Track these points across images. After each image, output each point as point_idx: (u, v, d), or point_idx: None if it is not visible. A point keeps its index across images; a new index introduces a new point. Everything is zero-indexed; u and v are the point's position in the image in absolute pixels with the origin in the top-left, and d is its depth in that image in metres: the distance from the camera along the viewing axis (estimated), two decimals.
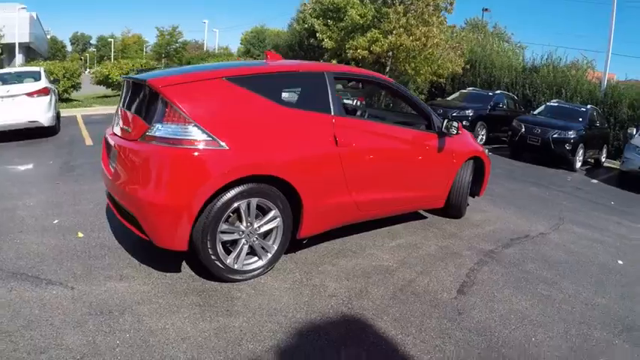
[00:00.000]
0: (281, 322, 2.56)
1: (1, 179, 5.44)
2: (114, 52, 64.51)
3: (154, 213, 2.68)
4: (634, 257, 4.44)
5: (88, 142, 8.17)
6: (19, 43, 25.87)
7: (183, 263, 3.18)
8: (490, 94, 13.12)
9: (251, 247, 2.99)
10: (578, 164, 10.22)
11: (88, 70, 49.97)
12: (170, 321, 2.48)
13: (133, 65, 16.97)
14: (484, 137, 11.76)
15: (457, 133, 4.31)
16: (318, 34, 16.58)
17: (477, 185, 4.95)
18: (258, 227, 2.96)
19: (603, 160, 11.99)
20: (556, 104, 11.97)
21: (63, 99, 13.57)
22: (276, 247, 3.08)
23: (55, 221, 3.89)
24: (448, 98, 14.18)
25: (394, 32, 13.82)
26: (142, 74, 3.28)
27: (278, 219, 3.02)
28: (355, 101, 6.21)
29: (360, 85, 4.87)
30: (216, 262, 2.82)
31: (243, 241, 2.93)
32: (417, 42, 13.73)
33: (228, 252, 2.91)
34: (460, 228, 4.59)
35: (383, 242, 3.97)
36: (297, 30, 22.42)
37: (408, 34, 13.71)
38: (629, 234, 5.33)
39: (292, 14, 27.79)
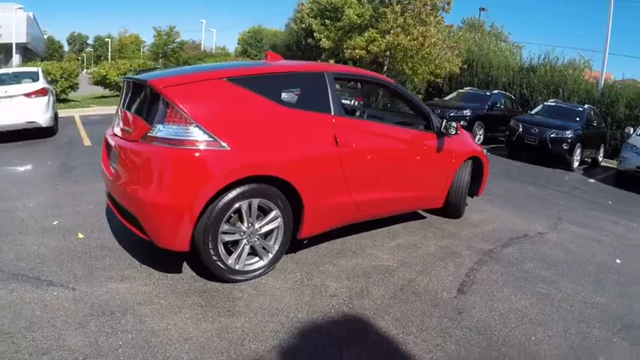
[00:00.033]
0: (283, 322, 2.57)
1: None
2: (111, 52, 64.32)
3: (155, 213, 2.69)
4: (632, 256, 4.47)
5: (87, 142, 8.16)
6: (16, 44, 25.83)
7: (184, 264, 3.18)
8: (488, 93, 13.16)
9: (252, 248, 3.00)
10: (576, 164, 10.27)
11: (85, 70, 49.86)
12: (172, 321, 2.49)
13: (130, 65, 16.89)
14: (482, 137, 11.79)
15: (456, 133, 4.33)
16: (315, 34, 16.58)
17: (475, 185, 4.97)
18: (260, 227, 2.97)
19: (600, 159, 12.05)
20: (553, 104, 12.02)
21: (61, 99, 13.53)
22: (277, 248, 3.09)
23: (55, 222, 3.89)
24: (446, 98, 14.22)
25: (392, 32, 13.83)
26: (143, 75, 3.28)
27: (279, 219, 3.03)
28: (353, 101, 6.22)
29: (359, 86, 4.86)
30: (218, 263, 2.83)
31: (245, 241, 2.93)
32: (415, 42, 13.74)
33: (229, 252, 2.92)
34: (459, 228, 4.61)
35: (383, 242, 3.99)
36: (294, 30, 22.41)
37: (405, 34, 13.73)
38: (627, 233, 5.37)
39: (290, 14, 27.78)
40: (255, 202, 2.88)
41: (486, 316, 2.87)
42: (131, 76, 3.46)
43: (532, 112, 11.97)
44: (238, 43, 44.91)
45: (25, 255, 3.20)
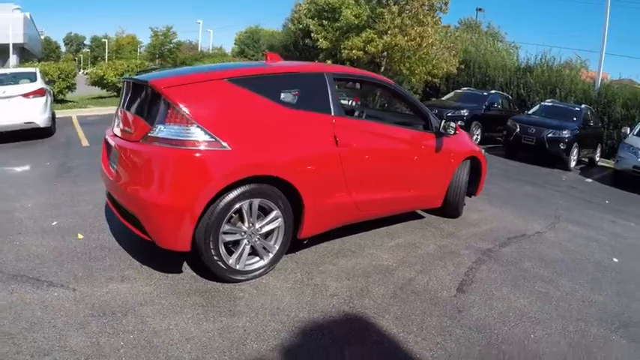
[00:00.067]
0: (284, 322, 2.58)
1: None
2: (108, 52, 64.16)
3: (157, 214, 2.70)
4: (629, 255, 4.50)
5: (85, 143, 8.14)
6: (14, 44, 25.78)
7: (185, 264, 3.19)
8: (485, 93, 13.20)
9: (253, 248, 3.01)
10: (573, 163, 10.32)
11: (82, 70, 49.70)
12: (174, 322, 2.49)
13: (128, 66, 16.83)
14: (479, 137, 11.83)
15: (454, 134, 4.36)
16: (313, 35, 16.59)
17: (473, 185, 4.99)
18: (260, 228, 2.98)
19: (597, 159, 12.12)
20: (550, 104, 12.07)
21: (58, 100, 13.48)
22: (277, 247, 3.10)
23: (54, 223, 3.88)
24: (443, 98, 14.25)
25: (389, 32, 13.87)
26: (143, 75, 3.29)
27: (279, 219, 3.04)
28: (350, 101, 6.23)
29: (358, 86, 4.87)
30: (219, 263, 2.83)
31: (245, 241, 2.94)
32: (412, 42, 13.78)
33: (230, 252, 2.92)
34: (458, 227, 4.63)
35: (382, 242, 4.00)
36: (292, 30, 22.40)
37: (402, 34, 13.76)
38: (624, 232, 5.40)
39: (287, 14, 27.79)
40: (256, 202, 2.89)
41: (486, 315, 2.89)
42: (132, 76, 3.46)
43: (529, 112, 12.02)
44: (235, 44, 44.91)
45: (25, 256, 3.20)
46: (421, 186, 4.33)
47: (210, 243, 2.76)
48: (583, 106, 11.77)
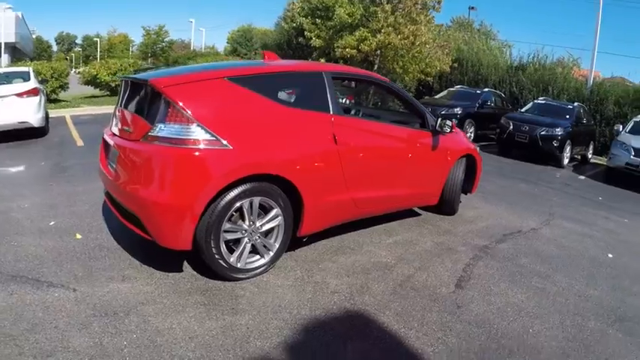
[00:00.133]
0: (286, 319, 2.60)
1: None
2: (100, 51, 63.61)
3: (158, 213, 2.70)
4: (622, 251, 4.57)
5: (79, 142, 8.08)
6: (5, 43, 25.53)
7: (185, 262, 3.19)
8: (478, 92, 13.27)
9: (253, 246, 3.02)
10: (566, 161, 10.42)
11: (74, 69, 49.29)
12: (176, 320, 2.49)
13: (121, 65, 16.71)
14: (472, 135, 11.89)
15: (450, 132, 4.39)
16: (306, 33, 16.60)
17: (469, 182, 5.03)
18: (261, 226, 2.99)
19: (590, 156, 12.23)
20: (543, 102, 12.17)
21: (51, 99, 13.35)
22: (277, 245, 3.12)
23: (52, 223, 3.86)
24: (436, 96, 14.30)
25: (382, 31, 13.91)
26: (142, 74, 3.28)
27: (280, 217, 3.05)
28: (345, 99, 6.25)
29: (354, 85, 4.90)
30: (220, 261, 2.84)
31: (246, 239, 2.95)
32: (405, 40, 13.83)
33: (230, 251, 2.93)
34: (454, 224, 4.67)
35: (380, 239, 4.03)
36: (285, 29, 22.40)
37: (396, 33, 13.81)
38: (617, 228, 5.48)
39: (280, 13, 27.75)
40: (257, 200, 2.90)
41: (484, 310, 2.92)
42: (131, 75, 3.45)
43: (522, 110, 12.11)
44: (228, 42, 44.79)
45: (24, 256, 3.18)
46: (418, 184, 4.36)
47: (212, 241, 2.76)
48: (575, 104, 11.89)
